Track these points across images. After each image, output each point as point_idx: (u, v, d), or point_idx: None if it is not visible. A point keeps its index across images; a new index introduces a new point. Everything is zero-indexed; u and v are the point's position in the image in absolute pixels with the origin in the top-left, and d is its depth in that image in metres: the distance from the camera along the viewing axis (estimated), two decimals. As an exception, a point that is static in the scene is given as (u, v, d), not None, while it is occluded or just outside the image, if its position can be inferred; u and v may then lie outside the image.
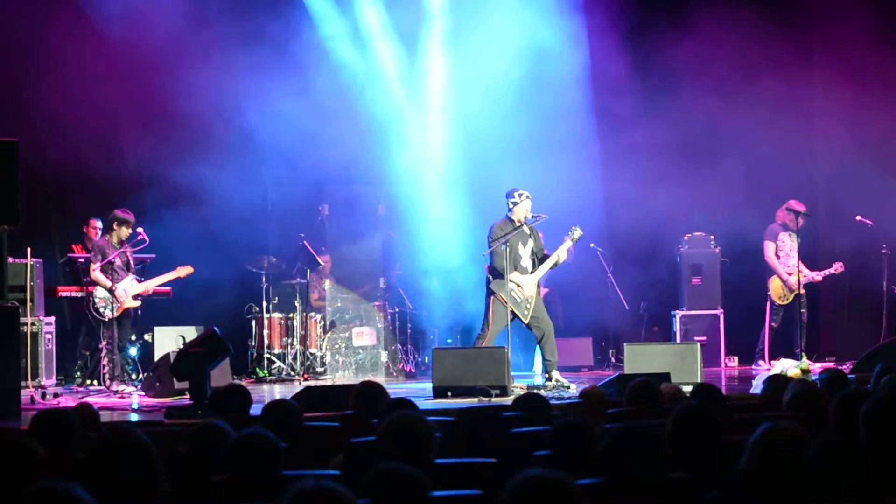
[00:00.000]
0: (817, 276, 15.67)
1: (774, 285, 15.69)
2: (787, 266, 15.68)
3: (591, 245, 16.84)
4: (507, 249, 13.04)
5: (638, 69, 16.86)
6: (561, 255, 13.39)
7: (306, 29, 16.45)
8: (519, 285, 13.19)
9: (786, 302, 15.67)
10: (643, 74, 16.87)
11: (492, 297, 13.30)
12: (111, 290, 13.60)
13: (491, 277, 13.36)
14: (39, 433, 5.67)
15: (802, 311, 15.57)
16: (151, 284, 14.14)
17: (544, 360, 13.38)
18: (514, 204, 13.33)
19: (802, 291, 15.55)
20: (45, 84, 15.58)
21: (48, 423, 5.95)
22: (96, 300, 13.82)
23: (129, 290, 13.75)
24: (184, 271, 14.23)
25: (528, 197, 13.35)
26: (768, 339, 15.69)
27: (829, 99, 17.09)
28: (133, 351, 14.47)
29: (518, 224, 13.29)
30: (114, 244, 13.83)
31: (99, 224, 15.34)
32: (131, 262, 13.96)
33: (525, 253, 13.38)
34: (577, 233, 13.61)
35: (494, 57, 16.40)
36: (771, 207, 15.91)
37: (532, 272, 13.36)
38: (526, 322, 13.29)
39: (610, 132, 16.78)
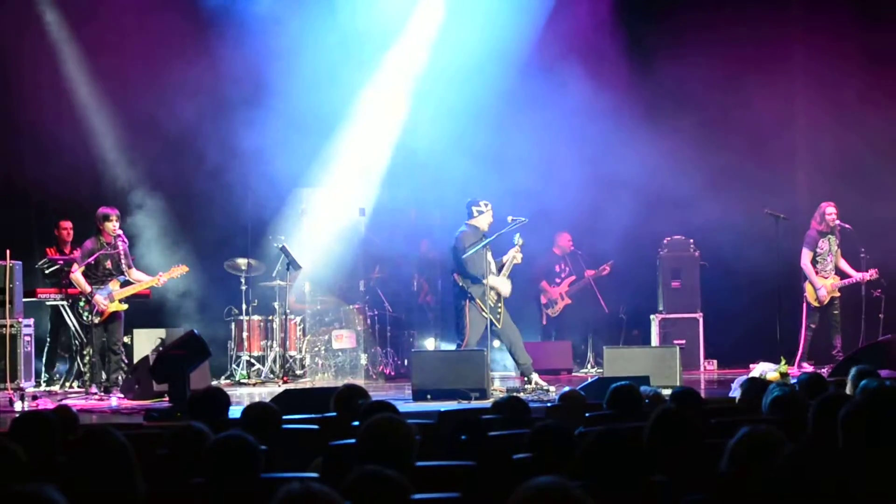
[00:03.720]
0: (865, 276, 15.59)
1: (809, 289, 15.65)
2: (824, 271, 15.66)
3: (572, 249, 16.90)
4: (486, 252, 13.10)
5: (618, 73, 16.88)
6: (517, 258, 13.51)
7: (285, 33, 16.42)
8: (495, 288, 13.26)
9: (822, 304, 15.65)
10: (626, 79, 16.88)
11: (468, 303, 13.31)
12: (89, 296, 13.46)
13: (468, 284, 13.36)
14: (20, 436, 5.65)
15: (835, 312, 15.63)
16: (139, 287, 13.97)
17: (519, 365, 13.42)
18: (480, 212, 13.51)
19: (838, 294, 15.61)
20: (25, 89, 15.58)
21: (29, 425, 5.93)
22: (80, 304, 13.67)
23: (115, 294, 13.62)
24: (178, 271, 14.06)
25: (490, 208, 13.56)
26: (804, 342, 15.63)
27: (811, 106, 17.17)
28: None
29: (483, 233, 13.42)
30: (103, 244, 13.68)
31: (69, 225, 15.28)
32: (125, 262, 13.80)
33: (491, 260, 13.49)
34: (520, 241, 13.66)
35: (476, 57, 16.38)
36: (751, 212, 15.93)
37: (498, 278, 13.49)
38: (500, 326, 13.32)
39: (591, 136, 16.78)
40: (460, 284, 13.45)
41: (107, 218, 13.61)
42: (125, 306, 13.75)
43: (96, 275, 13.59)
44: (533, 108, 16.50)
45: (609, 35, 16.83)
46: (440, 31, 16.94)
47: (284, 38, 16.09)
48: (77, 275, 13.51)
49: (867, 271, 15.52)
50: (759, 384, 8.09)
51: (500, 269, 13.54)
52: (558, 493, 3.35)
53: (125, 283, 13.74)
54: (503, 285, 13.39)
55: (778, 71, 17.32)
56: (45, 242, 15.59)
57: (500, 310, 13.32)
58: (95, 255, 13.48)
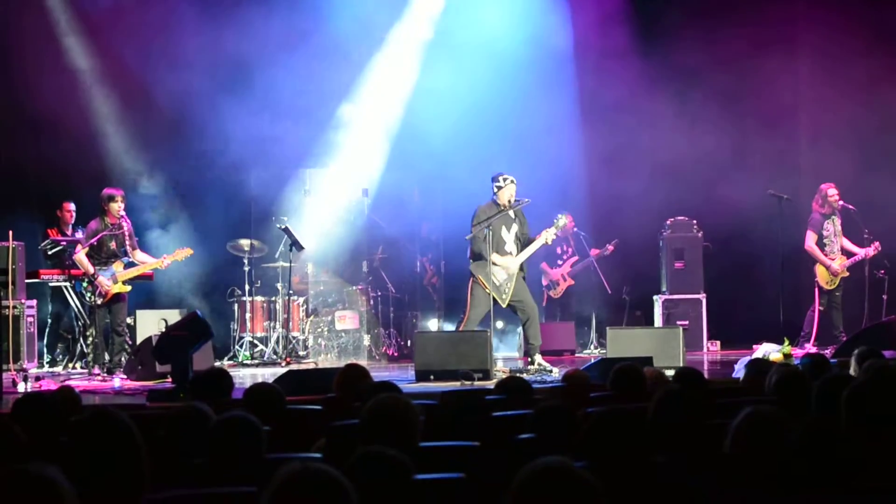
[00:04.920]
0: (870, 252, 15.54)
1: (821, 271, 15.60)
2: (832, 252, 15.62)
3: (574, 230, 16.87)
4: (490, 233, 13.02)
5: (622, 55, 16.84)
6: (548, 238, 13.39)
7: (289, 12, 16.37)
8: (501, 268, 13.18)
9: (833, 286, 15.61)
10: (626, 60, 16.84)
11: (471, 280, 13.29)
12: (92, 277, 13.44)
13: (471, 260, 13.35)
14: (22, 417, 5.65)
15: (838, 294, 15.63)
16: (144, 269, 13.93)
17: (527, 343, 13.37)
18: (499, 188, 13.30)
19: (846, 274, 15.58)
20: (26, 69, 15.56)
21: (31, 406, 5.93)
22: (83, 286, 13.64)
23: (119, 275, 13.61)
24: (182, 254, 14.03)
25: (512, 181, 13.33)
26: (817, 324, 15.59)
27: (817, 86, 17.12)
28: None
29: (503, 208, 13.28)
30: (107, 225, 13.65)
31: (72, 207, 15.26)
32: (129, 244, 13.77)
33: (509, 237, 13.36)
34: (562, 220, 13.65)
35: (481, 38, 16.35)
36: (754, 193, 15.91)
37: (515, 256, 13.35)
38: (504, 306, 13.29)
39: (594, 117, 16.77)
40: (470, 259, 13.44)
41: (112, 199, 13.58)
42: (129, 288, 13.73)
43: (100, 256, 13.57)
44: (539, 91, 16.48)
45: (620, 14, 16.81)
46: (446, 8, 16.89)
47: (288, 16, 16.06)
48: (81, 256, 13.48)
49: (870, 246, 15.50)
50: (763, 365, 8.09)
51: (525, 245, 13.44)
52: (562, 473, 3.34)
53: (129, 265, 13.72)
54: (510, 264, 13.30)
55: (783, 50, 17.28)
56: (48, 224, 15.58)
57: (507, 288, 13.25)
58: (100, 237, 13.47)
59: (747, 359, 10.20)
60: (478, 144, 16.18)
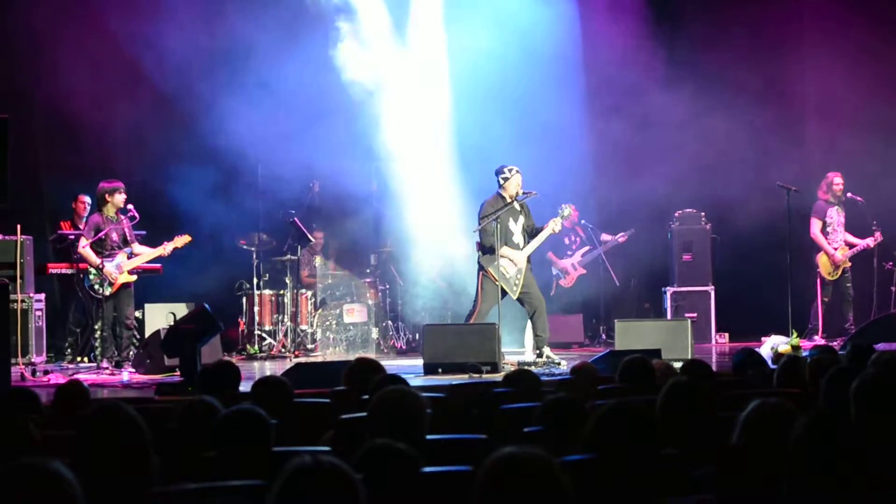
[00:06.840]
0: (871, 242, 15.55)
1: (822, 261, 15.61)
2: (835, 241, 15.63)
3: (583, 222, 16.84)
4: (498, 226, 13.00)
5: (632, 47, 16.82)
6: (555, 228, 13.36)
7: (301, 11, 16.36)
8: (511, 261, 13.16)
9: (835, 277, 15.60)
10: (636, 52, 16.82)
11: (481, 274, 13.27)
12: (99, 268, 13.44)
13: (481, 254, 13.33)
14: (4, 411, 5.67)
15: (848, 285, 15.61)
16: (146, 257, 13.93)
17: (535, 335, 13.34)
18: (505, 179, 13.27)
19: (849, 265, 15.57)
20: (36, 61, 15.56)
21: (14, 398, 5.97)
22: (91, 277, 13.64)
23: (124, 265, 13.61)
24: (181, 241, 14.02)
25: (517, 172, 13.29)
26: (821, 316, 15.60)
27: (821, 78, 17.07)
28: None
29: (509, 200, 13.25)
30: (110, 217, 13.64)
31: (88, 199, 15.25)
32: (129, 236, 13.77)
33: (516, 229, 13.34)
34: (567, 210, 13.63)
35: (488, 30, 16.32)
36: (763, 185, 15.89)
37: (522, 248, 13.33)
38: (515, 298, 13.27)
39: (602, 108, 16.74)
40: (479, 253, 13.42)
41: (112, 191, 13.59)
42: (134, 277, 13.73)
43: (104, 249, 13.57)
44: (549, 84, 16.45)
45: (632, 9, 16.79)
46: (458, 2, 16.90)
47: (300, 15, 16.06)
48: (86, 249, 13.48)
49: (872, 236, 15.49)
50: (750, 356, 8.19)
51: (533, 235, 13.41)
52: (524, 461, 3.37)
53: (131, 256, 13.73)
54: (516, 259, 13.28)
55: (794, 44, 17.28)
56: (57, 217, 15.59)
57: (517, 281, 13.22)
58: (105, 231, 13.48)
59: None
60: (488, 137, 16.14)
